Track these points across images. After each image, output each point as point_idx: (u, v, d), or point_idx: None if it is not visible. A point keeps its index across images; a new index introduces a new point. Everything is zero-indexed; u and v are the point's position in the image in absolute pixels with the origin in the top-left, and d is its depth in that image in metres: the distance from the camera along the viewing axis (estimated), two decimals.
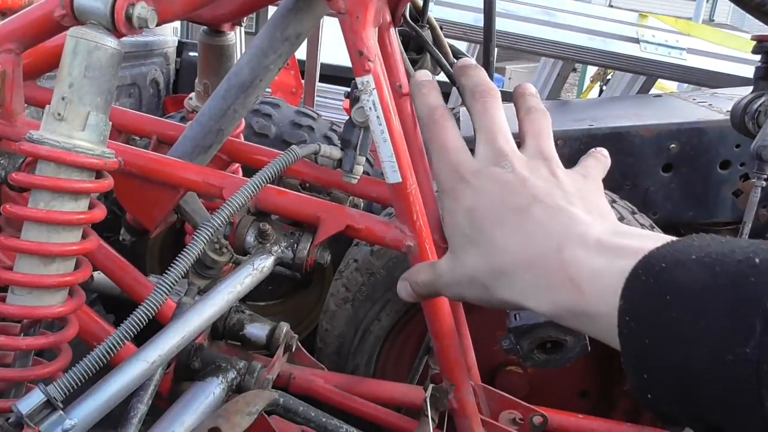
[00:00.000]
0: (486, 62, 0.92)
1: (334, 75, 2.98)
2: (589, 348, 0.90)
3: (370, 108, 0.83)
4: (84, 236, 0.81)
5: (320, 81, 2.71)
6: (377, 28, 0.85)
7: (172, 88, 2.76)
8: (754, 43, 1.42)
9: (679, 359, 0.36)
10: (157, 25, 0.80)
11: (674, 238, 0.42)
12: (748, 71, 2.42)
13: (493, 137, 0.54)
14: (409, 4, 1.02)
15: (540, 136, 0.56)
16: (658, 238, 0.42)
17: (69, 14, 0.78)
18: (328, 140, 1.76)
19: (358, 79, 0.83)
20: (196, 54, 2.86)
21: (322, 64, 2.71)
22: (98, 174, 0.80)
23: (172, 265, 0.77)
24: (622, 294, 0.39)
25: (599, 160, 0.58)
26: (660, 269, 0.38)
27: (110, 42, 0.76)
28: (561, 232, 0.46)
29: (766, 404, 0.32)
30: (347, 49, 0.82)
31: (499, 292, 0.49)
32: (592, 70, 3.43)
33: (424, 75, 0.62)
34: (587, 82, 4.14)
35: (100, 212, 0.81)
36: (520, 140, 0.57)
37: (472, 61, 0.63)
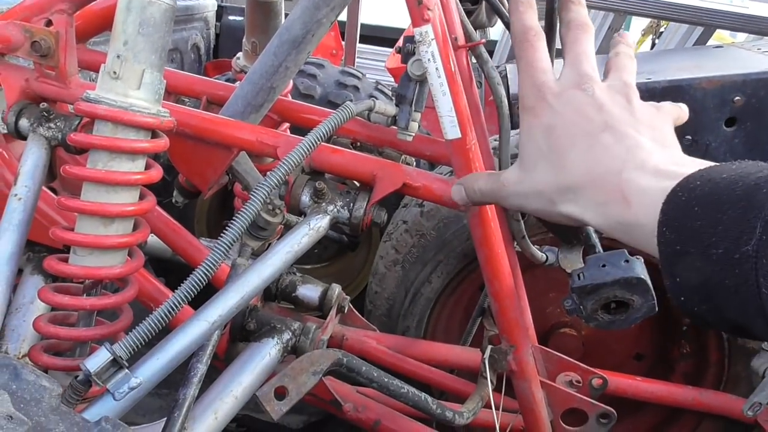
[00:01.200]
0: (549, 25, 0.87)
1: (373, 35, 2.92)
2: (657, 308, 0.87)
3: (428, 59, 0.80)
4: (141, 197, 0.81)
5: (360, 42, 2.66)
6: None
7: (213, 53, 2.75)
8: None
9: (702, 261, 0.42)
10: None
11: (718, 164, 0.47)
12: None
13: (579, 62, 0.59)
14: None
15: (623, 70, 0.61)
16: (707, 165, 0.47)
17: None
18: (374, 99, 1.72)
19: (416, 30, 0.79)
20: (236, 18, 2.84)
21: (362, 25, 2.65)
22: (154, 134, 0.79)
23: (228, 226, 0.76)
24: (662, 209, 0.45)
25: (678, 107, 0.63)
26: (694, 186, 0.44)
27: None
28: (624, 157, 0.51)
29: (762, 291, 0.38)
30: None
31: (563, 206, 0.55)
32: (638, 22, 3.28)
33: None
34: (633, 34, 3.96)
35: (157, 173, 0.80)
36: (605, 73, 0.62)
37: None
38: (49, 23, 0.91)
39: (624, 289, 0.85)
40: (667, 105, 0.60)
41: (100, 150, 0.75)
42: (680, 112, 0.62)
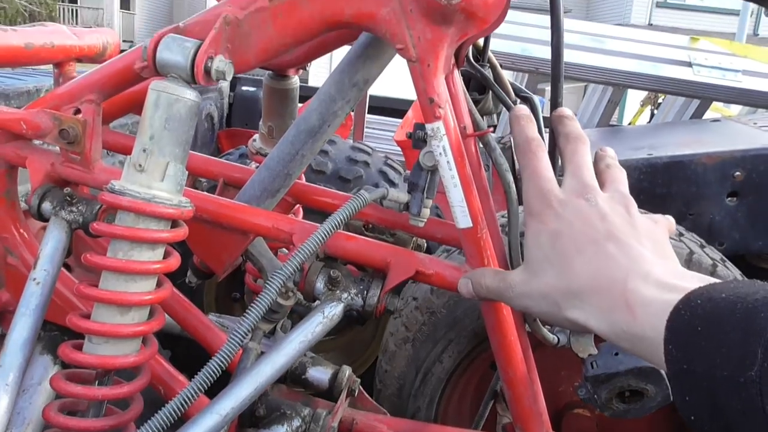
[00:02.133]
0: (554, 100, 0.91)
1: (381, 106, 3.00)
2: (672, 397, 0.86)
3: (440, 153, 0.83)
4: (158, 284, 0.83)
5: (368, 113, 2.74)
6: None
7: (226, 122, 2.83)
8: None
9: (708, 381, 0.43)
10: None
11: (717, 281, 0.49)
12: None
13: (580, 173, 0.64)
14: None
15: (618, 181, 0.66)
16: (705, 281, 0.49)
17: (150, 67, 0.80)
18: (383, 175, 1.76)
19: (428, 126, 0.82)
20: (249, 88, 2.93)
21: (370, 96, 2.73)
22: (174, 222, 0.81)
23: (244, 314, 0.77)
24: (667, 326, 0.47)
25: (667, 219, 0.67)
26: (695, 305, 0.46)
27: (190, 94, 0.78)
28: (628, 266, 0.53)
29: None
30: (417, 95, 0.82)
31: (568, 311, 0.56)
32: (634, 93, 3.37)
33: (523, 109, 0.75)
34: (629, 105, 4.06)
35: (176, 261, 0.82)
36: (600, 185, 0.66)
37: (568, 111, 0.74)
38: (77, 111, 0.95)
39: (638, 379, 0.85)
40: (661, 218, 0.65)
41: (122, 239, 0.77)
42: (671, 224, 0.67)
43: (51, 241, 0.91)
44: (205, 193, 0.98)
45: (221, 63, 0.78)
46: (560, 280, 0.57)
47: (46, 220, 0.95)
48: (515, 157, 0.73)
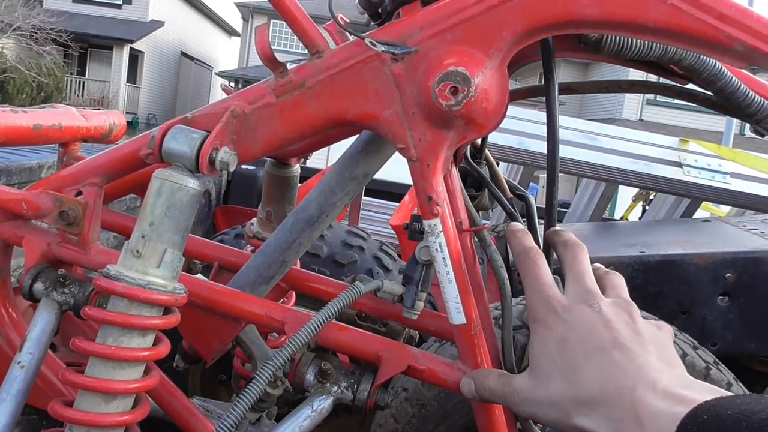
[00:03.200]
0: (549, 202, 0.93)
1: (377, 189, 3.06)
2: None
3: (436, 249, 0.84)
4: (146, 371, 0.81)
5: (365, 195, 2.79)
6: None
7: (223, 199, 2.86)
8: None
9: None
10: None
11: (724, 394, 0.50)
12: None
13: (582, 279, 0.66)
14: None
15: (619, 288, 0.69)
16: (711, 392, 0.51)
17: (156, 155, 0.83)
18: (378, 261, 1.77)
19: (426, 222, 0.84)
20: (248, 167, 2.98)
21: None
22: (166, 309, 0.81)
23: (233, 405, 0.76)
24: None
25: (669, 326, 0.68)
26: (702, 421, 0.46)
27: (192, 183, 0.80)
28: (636, 375, 0.54)
29: None
30: (416, 193, 0.84)
31: (578, 419, 0.56)
32: (626, 188, 3.45)
33: (517, 225, 0.80)
34: (621, 198, 4.15)
35: (165, 348, 0.81)
36: (601, 290, 0.68)
37: (561, 228, 0.78)
38: (79, 193, 0.96)
39: None
40: (665, 325, 0.65)
41: (113, 326, 0.77)
42: (672, 332, 0.68)
43: (40, 323, 0.90)
44: (200, 277, 0.98)
45: (226, 154, 0.80)
46: (569, 387, 0.58)
47: (37, 300, 0.94)
48: (517, 268, 0.75)
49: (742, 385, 1.29)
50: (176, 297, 0.79)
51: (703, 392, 0.51)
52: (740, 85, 0.93)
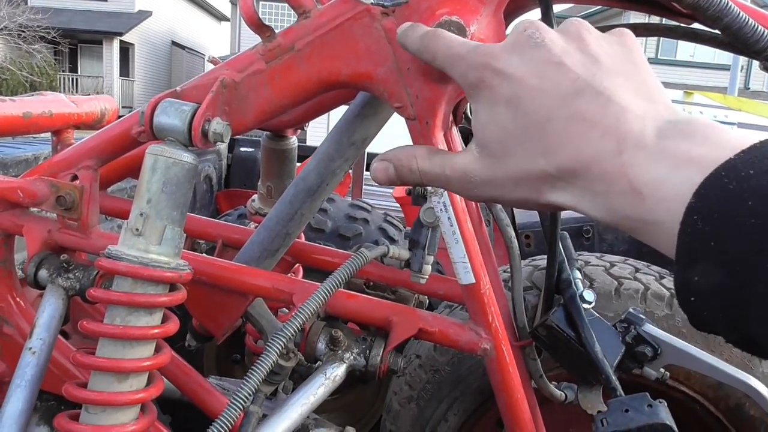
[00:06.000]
0: None
1: None
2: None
3: (441, 209, 0.82)
4: (157, 349, 0.80)
5: (366, 170, 2.76)
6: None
7: (224, 183, 2.85)
8: None
9: (746, 267, 0.34)
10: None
11: (729, 135, 0.40)
12: None
13: (522, 27, 0.49)
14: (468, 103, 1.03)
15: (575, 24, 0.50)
16: (719, 143, 0.39)
17: (147, 131, 0.81)
18: (383, 232, 1.76)
19: None
20: (247, 149, 2.96)
21: (368, 153, 2.77)
22: (172, 286, 0.80)
23: (245, 378, 0.75)
24: (697, 192, 0.37)
25: (630, 32, 0.50)
26: (746, 175, 0.36)
27: (187, 157, 0.78)
28: (616, 131, 0.42)
29: None
30: None
31: (552, 195, 0.46)
32: None
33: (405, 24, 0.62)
34: None
35: (174, 325, 0.80)
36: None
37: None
38: (74, 178, 0.95)
39: None
40: (625, 32, 0.49)
41: (119, 305, 0.76)
42: (635, 38, 0.50)
43: (47, 309, 0.89)
44: (204, 254, 0.97)
45: (219, 125, 0.78)
46: (534, 160, 0.45)
47: (43, 287, 0.93)
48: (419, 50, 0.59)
49: None
50: (180, 273, 0.78)
51: (708, 143, 0.39)
52: (748, 20, 0.90)
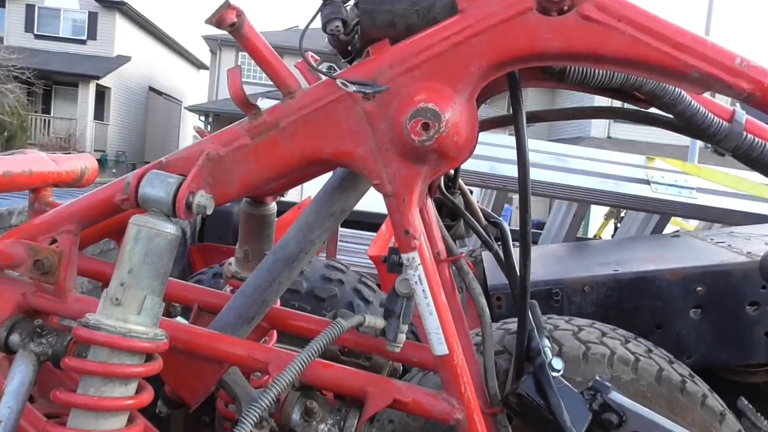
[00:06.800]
0: (523, 230, 0.95)
1: (354, 220, 3.06)
2: None
3: (416, 282, 0.85)
4: (130, 419, 0.80)
5: (342, 226, 2.78)
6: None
7: (198, 236, 2.83)
8: (765, 184, 1.47)
9: None
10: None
11: None
12: (759, 208, 2.49)
13: None
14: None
15: None
16: None
17: (132, 201, 0.83)
18: (358, 293, 1.77)
19: (404, 256, 0.85)
20: (224, 204, 2.96)
21: None
22: (148, 355, 0.80)
23: None
24: None
25: None
26: None
27: (170, 228, 0.80)
28: None
29: None
30: (393, 227, 0.86)
31: None
32: (600, 207, 3.53)
33: None
34: (594, 218, 4.22)
35: (149, 395, 0.80)
36: None
37: None
38: (53, 241, 0.95)
39: None
40: None
41: (94, 376, 0.76)
42: None
43: (17, 375, 0.88)
44: (180, 320, 0.97)
45: (202, 198, 0.81)
46: None
47: (13, 352, 0.92)
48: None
49: (717, 395, 1.31)
50: (158, 343, 0.78)
51: None
52: (699, 108, 0.97)
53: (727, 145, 0.97)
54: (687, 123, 0.98)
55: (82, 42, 23.65)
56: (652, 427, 1.03)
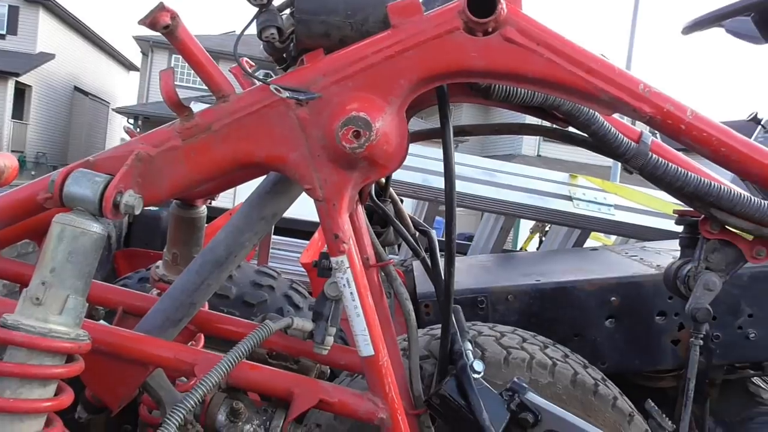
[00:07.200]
0: (448, 238, 0.99)
1: (287, 227, 3.06)
2: None
3: (344, 285, 0.88)
4: (48, 422, 0.78)
5: (274, 233, 2.78)
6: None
7: (124, 242, 2.75)
8: (673, 203, 1.59)
9: None
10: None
11: None
12: (669, 225, 2.67)
13: None
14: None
15: None
16: None
17: (56, 199, 0.81)
18: (289, 299, 1.77)
19: (333, 259, 0.88)
20: (151, 208, 2.88)
21: None
22: (69, 356, 0.79)
23: None
24: None
25: None
26: None
27: (96, 227, 0.79)
28: None
29: None
30: (323, 231, 0.88)
31: None
32: (527, 221, 3.67)
33: None
34: (522, 231, 4.38)
35: (68, 397, 0.78)
36: None
37: None
38: None
39: None
40: None
41: (11, 378, 0.74)
42: None
43: None
44: (104, 323, 0.96)
45: (131, 197, 0.81)
46: None
47: None
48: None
49: (626, 398, 1.40)
50: (80, 344, 0.77)
51: None
52: (611, 129, 1.05)
53: (634, 163, 1.05)
54: (600, 142, 1.06)
55: (1, 37, 22.41)
56: (566, 426, 1.10)
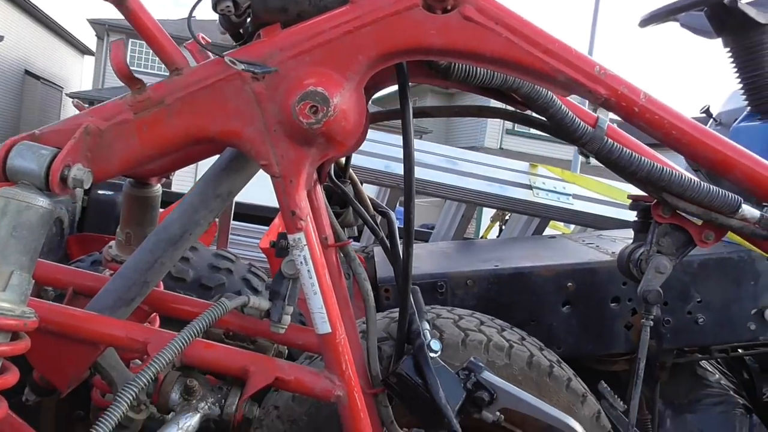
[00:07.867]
0: (407, 218, 1.00)
1: (247, 213, 3.02)
2: None
3: (301, 262, 0.87)
4: None
5: (234, 219, 2.74)
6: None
7: (77, 227, 2.67)
8: (629, 192, 1.63)
9: None
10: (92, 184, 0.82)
11: None
12: (626, 215, 2.73)
13: None
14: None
15: None
16: None
17: None
18: (247, 282, 1.75)
19: (290, 236, 0.87)
20: (105, 192, 2.82)
21: (236, 203, 2.76)
22: (14, 334, 0.76)
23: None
24: None
25: None
26: None
27: (42, 201, 0.77)
28: None
29: None
30: (280, 208, 0.87)
31: None
32: (489, 210, 3.72)
33: None
34: (485, 220, 4.43)
35: (13, 376, 0.76)
36: None
37: None
38: None
39: None
40: None
41: None
42: None
43: None
44: (51, 302, 0.93)
45: (79, 171, 0.78)
46: None
47: None
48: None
49: (580, 379, 1.43)
50: (25, 321, 0.75)
51: None
52: (568, 113, 1.06)
53: (590, 147, 1.07)
54: (557, 126, 1.07)
55: None
56: (520, 404, 1.12)
